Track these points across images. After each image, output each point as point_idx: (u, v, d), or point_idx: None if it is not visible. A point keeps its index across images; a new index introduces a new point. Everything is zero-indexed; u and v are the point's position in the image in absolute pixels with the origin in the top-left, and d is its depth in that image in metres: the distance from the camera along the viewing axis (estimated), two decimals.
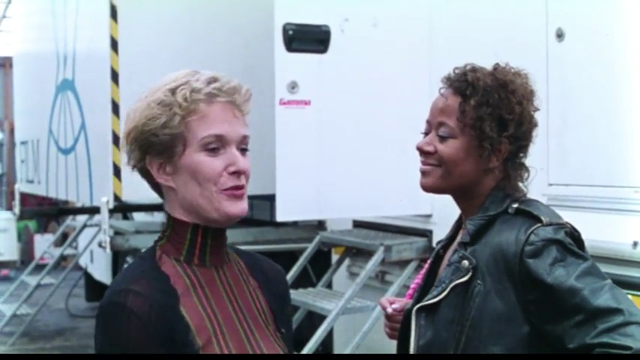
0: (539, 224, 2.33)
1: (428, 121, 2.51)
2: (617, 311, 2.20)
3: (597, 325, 2.20)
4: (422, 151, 2.49)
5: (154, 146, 2.10)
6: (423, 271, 2.69)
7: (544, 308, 2.29)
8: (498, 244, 2.36)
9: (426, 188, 2.52)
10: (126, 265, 2.35)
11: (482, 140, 2.40)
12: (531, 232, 2.32)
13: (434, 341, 2.43)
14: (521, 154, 2.49)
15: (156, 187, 2.20)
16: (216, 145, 2.10)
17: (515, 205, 2.43)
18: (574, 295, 2.24)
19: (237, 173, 2.11)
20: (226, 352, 2.10)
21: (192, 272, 2.16)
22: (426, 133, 2.51)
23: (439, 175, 2.47)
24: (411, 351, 2.48)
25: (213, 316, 2.13)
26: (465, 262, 2.39)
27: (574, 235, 2.37)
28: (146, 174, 2.18)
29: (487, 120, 2.39)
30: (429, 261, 2.68)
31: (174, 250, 2.16)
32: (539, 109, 2.49)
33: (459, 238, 2.51)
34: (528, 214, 2.38)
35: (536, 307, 2.30)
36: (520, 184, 2.48)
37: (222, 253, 2.23)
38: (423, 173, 2.50)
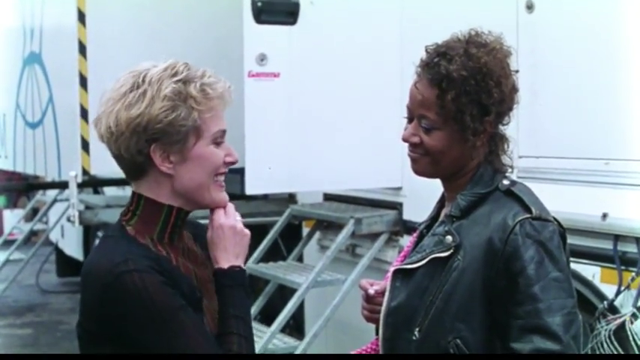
0: (528, 215, 2.34)
1: (408, 108, 2.49)
2: (558, 339, 2.26)
3: (533, 340, 2.27)
4: (408, 142, 2.49)
5: (169, 135, 2.19)
6: (404, 253, 2.69)
7: (504, 297, 2.32)
8: (487, 224, 2.37)
9: (417, 174, 2.53)
10: (95, 246, 2.36)
11: (464, 130, 2.39)
12: (518, 222, 2.33)
13: (404, 305, 2.45)
14: (504, 123, 2.48)
15: (138, 169, 2.25)
16: (221, 140, 2.27)
17: (505, 183, 2.44)
18: (531, 302, 2.28)
19: (232, 163, 2.30)
20: (209, 314, 2.26)
21: (164, 250, 2.26)
22: (410, 119, 2.49)
23: (427, 163, 2.47)
24: (382, 311, 2.51)
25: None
26: (449, 238, 2.40)
27: (559, 230, 2.39)
28: (138, 159, 2.22)
29: (467, 110, 2.37)
30: (411, 240, 2.68)
31: (147, 228, 2.25)
32: (517, 71, 2.47)
33: (446, 211, 2.50)
34: (519, 200, 2.38)
35: (500, 293, 2.32)
36: (505, 157, 2.49)
37: (184, 232, 2.35)
38: (413, 161, 2.50)
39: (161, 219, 2.26)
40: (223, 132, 2.27)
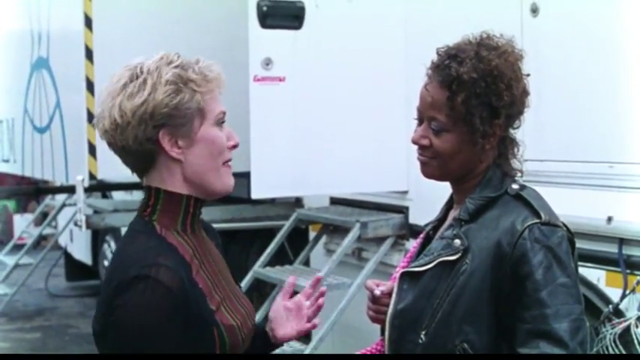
0: (537, 220, 2.34)
1: (419, 110, 2.49)
2: (564, 345, 2.26)
3: (540, 346, 2.27)
4: (417, 145, 2.49)
5: (175, 119, 2.21)
6: (410, 254, 2.69)
7: (511, 300, 2.32)
8: (495, 228, 2.36)
9: (427, 177, 2.54)
10: (124, 240, 2.37)
11: (474, 133, 2.39)
12: (527, 227, 2.32)
13: (411, 307, 2.45)
14: (515, 126, 2.48)
15: (147, 159, 2.26)
16: (223, 120, 2.29)
17: (515, 187, 2.44)
18: (538, 307, 2.28)
19: (234, 146, 2.31)
20: (230, 314, 2.28)
21: (190, 241, 2.29)
22: (420, 120, 2.50)
23: (437, 166, 2.47)
24: (389, 314, 2.51)
25: (212, 279, 2.30)
26: (457, 242, 2.40)
27: (567, 236, 2.39)
28: (148, 147, 2.23)
29: (477, 113, 2.37)
30: (417, 242, 2.68)
31: (171, 221, 2.27)
32: (529, 75, 2.47)
33: (454, 215, 2.50)
34: (528, 205, 2.38)
35: (507, 297, 2.32)
36: (515, 161, 2.49)
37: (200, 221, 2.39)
38: (422, 164, 2.50)
39: (182, 209, 2.28)
40: (224, 113, 2.30)
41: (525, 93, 2.46)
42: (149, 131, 2.20)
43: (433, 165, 2.48)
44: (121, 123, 2.19)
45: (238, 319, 2.31)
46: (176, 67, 2.22)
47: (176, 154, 2.24)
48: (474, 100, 2.37)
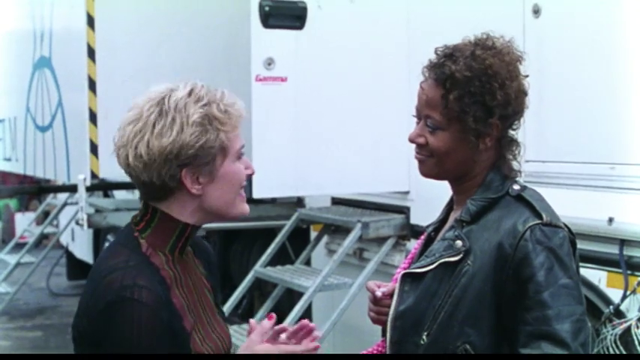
0: (538, 221, 2.34)
1: (416, 109, 2.50)
2: (566, 346, 2.25)
3: (542, 347, 2.26)
4: (414, 143, 2.49)
5: (199, 159, 2.21)
6: (411, 255, 2.69)
7: (513, 302, 2.31)
8: (497, 230, 2.36)
9: (424, 175, 2.54)
10: (107, 251, 2.35)
11: (466, 132, 2.39)
12: (529, 228, 2.32)
13: (413, 309, 2.45)
14: (514, 127, 2.48)
15: (165, 193, 2.25)
16: (242, 152, 2.31)
17: (516, 188, 2.43)
18: (540, 309, 2.28)
19: (251, 175, 2.35)
20: (202, 342, 2.28)
21: (174, 264, 2.29)
22: (418, 118, 2.50)
23: (433, 165, 2.47)
24: (390, 315, 2.50)
25: (189, 304, 2.30)
26: (459, 243, 2.40)
27: (569, 237, 2.38)
28: (171, 185, 2.23)
29: (470, 111, 2.37)
30: (419, 243, 2.68)
31: (160, 242, 2.27)
32: (527, 76, 2.46)
33: (456, 216, 2.50)
34: (529, 206, 2.38)
35: (509, 299, 2.32)
36: (515, 162, 2.48)
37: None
38: (419, 162, 2.51)
39: (175, 235, 2.29)
40: (243, 146, 2.31)
41: (522, 93, 2.45)
42: (173, 169, 2.21)
43: (430, 163, 2.48)
44: (147, 160, 2.20)
45: (211, 347, 2.31)
46: (203, 105, 2.22)
47: (196, 191, 2.25)
48: (468, 98, 2.37)
